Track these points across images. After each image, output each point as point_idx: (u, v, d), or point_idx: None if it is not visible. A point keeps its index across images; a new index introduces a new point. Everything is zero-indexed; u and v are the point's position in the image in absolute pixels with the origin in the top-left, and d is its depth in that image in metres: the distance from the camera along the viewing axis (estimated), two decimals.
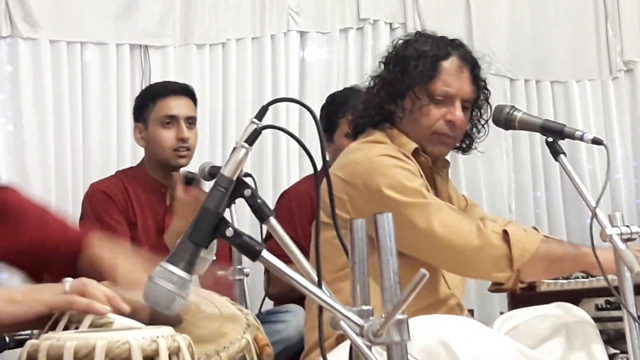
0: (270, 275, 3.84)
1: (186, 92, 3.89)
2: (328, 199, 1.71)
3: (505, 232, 2.56)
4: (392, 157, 2.64)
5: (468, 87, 2.78)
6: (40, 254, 2.08)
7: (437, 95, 2.73)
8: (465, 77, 2.78)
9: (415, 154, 2.73)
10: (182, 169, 3.84)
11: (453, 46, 2.80)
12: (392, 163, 2.63)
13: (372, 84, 2.83)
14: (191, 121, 3.85)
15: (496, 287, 2.71)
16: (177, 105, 3.82)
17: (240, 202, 1.66)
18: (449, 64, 2.75)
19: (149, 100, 3.85)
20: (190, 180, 3.74)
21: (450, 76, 2.75)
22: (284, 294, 3.84)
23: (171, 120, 3.79)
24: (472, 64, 2.81)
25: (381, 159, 2.63)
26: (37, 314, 1.69)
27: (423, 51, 2.75)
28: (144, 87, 4.50)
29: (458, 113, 2.75)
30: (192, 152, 3.83)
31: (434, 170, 2.82)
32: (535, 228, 2.88)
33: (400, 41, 2.85)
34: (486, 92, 2.85)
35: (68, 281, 1.72)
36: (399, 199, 2.56)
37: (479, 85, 2.83)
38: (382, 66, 2.83)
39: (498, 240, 2.55)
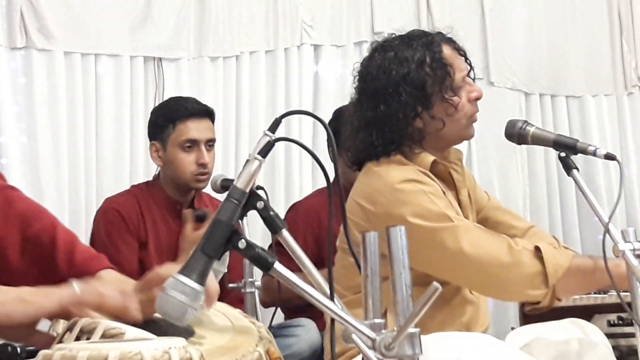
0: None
1: (207, 113, 3.87)
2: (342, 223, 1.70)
3: (537, 249, 2.51)
4: (413, 182, 2.58)
5: (464, 62, 2.76)
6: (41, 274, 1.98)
7: (459, 85, 2.68)
8: (458, 55, 2.76)
9: (433, 164, 2.68)
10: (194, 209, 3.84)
11: (431, 36, 2.75)
12: (415, 189, 2.56)
13: (377, 111, 2.69)
14: (211, 143, 3.85)
15: (533, 307, 2.65)
16: (197, 129, 3.80)
17: (252, 214, 1.67)
18: (446, 51, 2.71)
19: (168, 121, 3.81)
20: (200, 218, 3.73)
21: (455, 60, 2.71)
22: (287, 300, 3.77)
23: (192, 144, 3.78)
24: (451, 41, 2.78)
25: (402, 186, 2.56)
26: (48, 312, 1.69)
27: (420, 56, 2.67)
28: (157, 99, 4.51)
29: (477, 86, 2.74)
30: (211, 174, 3.80)
31: (450, 169, 2.76)
32: (554, 237, 2.86)
33: (378, 62, 2.71)
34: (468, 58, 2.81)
35: (75, 284, 1.72)
36: (426, 226, 2.50)
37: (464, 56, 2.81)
38: (382, 93, 2.68)
39: (530, 258, 2.50)
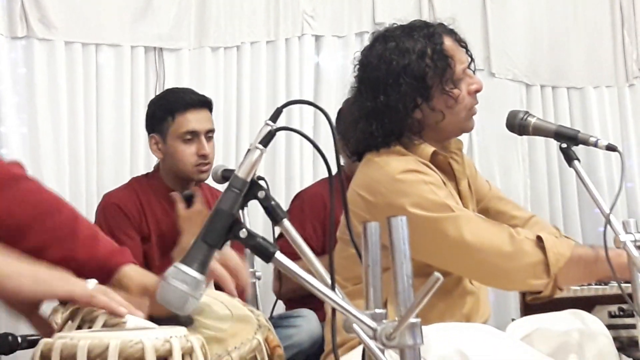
0: (282, 274, 3.79)
1: (205, 104, 3.85)
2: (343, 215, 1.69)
3: (539, 238, 2.51)
4: (413, 172, 2.57)
5: (465, 54, 2.74)
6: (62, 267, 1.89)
7: (459, 77, 2.67)
8: (459, 47, 2.73)
9: (433, 155, 2.67)
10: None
11: (433, 27, 2.72)
12: (415, 179, 2.55)
13: (377, 102, 2.66)
14: (210, 134, 3.83)
15: (534, 297, 2.65)
16: (197, 120, 3.77)
17: (253, 204, 1.66)
18: (448, 43, 2.69)
19: (167, 114, 3.78)
20: (189, 197, 3.72)
21: (457, 52, 2.69)
22: (292, 291, 3.81)
23: (192, 136, 3.76)
24: (452, 32, 2.75)
25: (403, 176, 2.55)
26: (56, 297, 1.68)
27: (421, 47, 2.65)
28: (158, 90, 4.51)
29: (477, 79, 2.72)
30: (212, 164, 3.78)
31: (449, 158, 2.74)
32: (555, 227, 2.85)
33: (379, 52, 2.69)
34: (469, 50, 2.78)
35: (92, 282, 1.71)
36: (427, 216, 2.49)
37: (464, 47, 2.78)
38: (382, 84, 2.66)
39: (532, 247, 2.49)
